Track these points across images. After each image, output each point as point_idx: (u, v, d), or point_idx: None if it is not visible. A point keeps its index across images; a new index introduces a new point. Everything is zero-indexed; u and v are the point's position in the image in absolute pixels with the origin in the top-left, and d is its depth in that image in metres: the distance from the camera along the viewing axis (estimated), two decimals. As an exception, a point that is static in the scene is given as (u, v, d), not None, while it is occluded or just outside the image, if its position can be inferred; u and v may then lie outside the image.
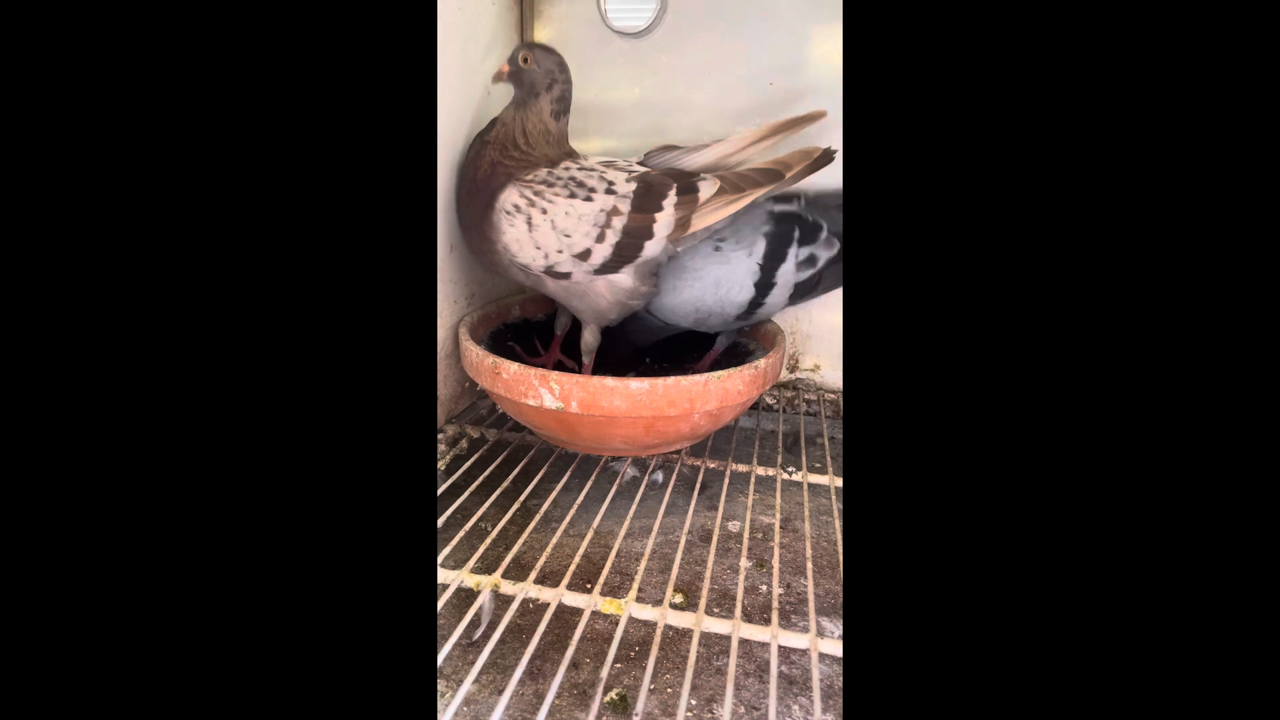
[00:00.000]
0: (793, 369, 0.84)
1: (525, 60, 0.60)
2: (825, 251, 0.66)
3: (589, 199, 0.58)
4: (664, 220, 0.58)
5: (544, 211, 0.58)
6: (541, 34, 0.79)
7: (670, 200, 0.58)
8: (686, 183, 0.59)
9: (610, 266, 0.59)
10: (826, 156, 0.62)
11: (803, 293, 0.68)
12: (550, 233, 0.58)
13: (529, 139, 0.61)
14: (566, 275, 0.60)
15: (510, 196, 0.58)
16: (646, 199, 0.58)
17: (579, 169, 0.60)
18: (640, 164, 0.63)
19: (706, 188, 0.59)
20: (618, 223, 0.58)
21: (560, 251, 0.58)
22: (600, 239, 0.58)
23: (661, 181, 0.59)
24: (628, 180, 0.59)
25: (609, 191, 0.58)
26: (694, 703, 0.44)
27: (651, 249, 0.59)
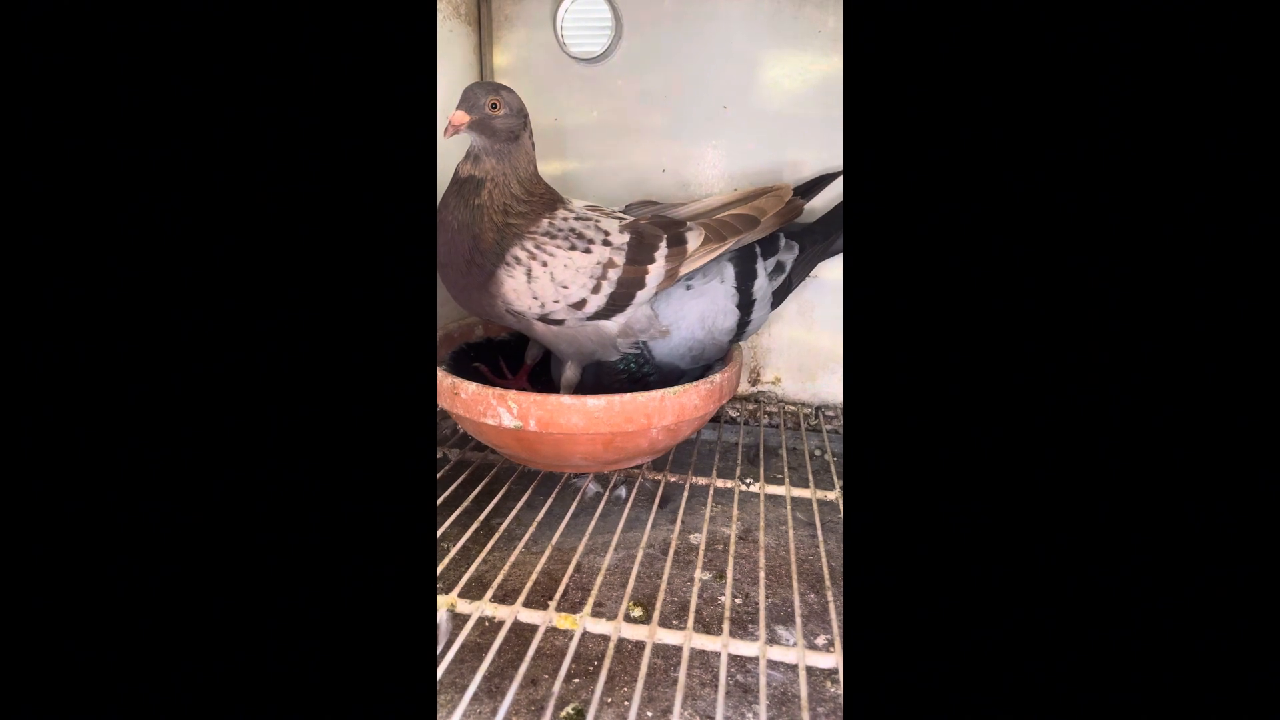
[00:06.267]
0: (754, 382, 0.85)
1: (495, 106, 0.55)
2: (788, 255, 0.69)
3: (587, 251, 0.59)
4: (656, 271, 0.60)
5: (544, 264, 0.58)
6: (500, 60, 0.81)
7: (662, 252, 0.60)
8: (675, 234, 0.61)
9: (603, 314, 0.61)
10: (795, 205, 0.66)
11: (780, 298, 0.71)
12: (549, 284, 0.58)
13: (525, 187, 0.59)
14: (560, 322, 0.61)
15: (513, 249, 0.58)
16: (640, 251, 0.60)
17: (576, 219, 0.60)
18: (622, 214, 0.64)
19: (694, 238, 0.62)
20: (613, 274, 0.59)
21: (557, 301, 0.59)
22: (596, 290, 0.59)
23: (653, 233, 0.61)
24: (620, 230, 0.60)
25: (605, 243, 0.59)
26: (650, 714, 0.45)
27: (642, 297, 0.61)
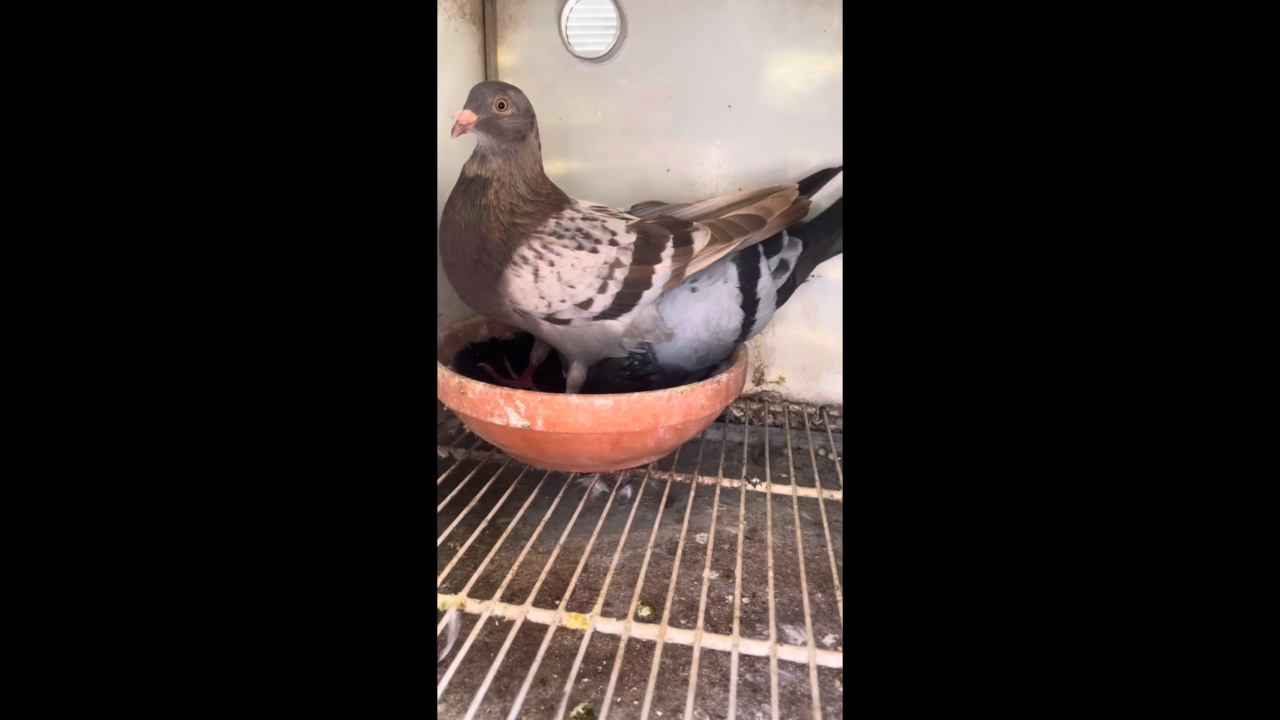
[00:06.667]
0: (758, 382, 0.85)
1: (502, 106, 0.55)
2: (791, 253, 0.69)
3: (594, 251, 0.59)
4: (662, 271, 0.60)
5: (551, 264, 0.58)
6: (505, 59, 0.81)
7: (668, 252, 0.60)
8: (682, 234, 0.61)
9: (609, 314, 0.61)
10: (801, 205, 0.65)
11: (784, 296, 0.71)
12: (556, 284, 0.58)
13: (531, 187, 0.59)
14: (566, 322, 0.61)
15: (520, 249, 0.58)
16: (646, 251, 0.60)
17: (583, 219, 0.60)
18: (628, 214, 0.64)
19: (700, 238, 0.62)
20: (619, 274, 0.59)
21: (563, 301, 0.59)
22: (602, 289, 0.59)
23: (659, 233, 0.61)
24: (627, 230, 0.60)
25: (612, 243, 0.59)
26: (660, 713, 0.45)
27: (649, 297, 0.61)
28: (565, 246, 0.58)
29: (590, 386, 0.64)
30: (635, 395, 0.56)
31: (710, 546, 0.55)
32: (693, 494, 0.63)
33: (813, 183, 0.70)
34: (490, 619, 0.46)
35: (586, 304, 0.60)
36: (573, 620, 0.45)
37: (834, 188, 0.72)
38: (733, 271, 0.67)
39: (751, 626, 0.51)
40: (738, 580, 0.49)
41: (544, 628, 0.44)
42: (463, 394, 0.58)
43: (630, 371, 0.68)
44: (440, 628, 0.44)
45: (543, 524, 0.57)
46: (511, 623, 0.45)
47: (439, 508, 0.57)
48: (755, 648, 0.43)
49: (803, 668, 0.47)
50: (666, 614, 0.45)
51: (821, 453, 0.78)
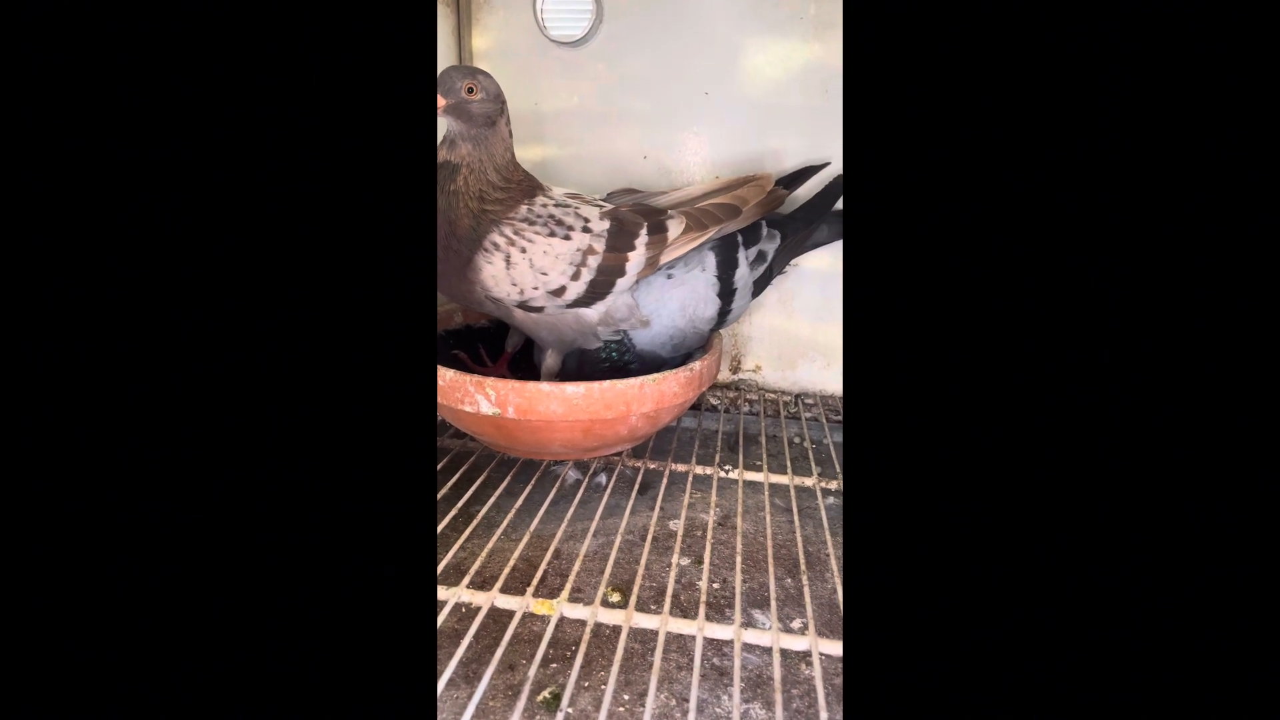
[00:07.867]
0: (735, 370, 0.86)
1: (471, 91, 0.55)
2: (770, 244, 0.69)
3: (567, 237, 0.58)
4: (636, 259, 0.60)
5: (523, 250, 0.58)
6: (479, 42, 0.80)
7: (642, 239, 0.60)
8: (656, 221, 0.61)
9: (583, 302, 0.60)
10: (777, 196, 0.66)
11: (761, 287, 0.71)
12: (528, 271, 0.58)
13: (502, 174, 0.58)
14: (539, 310, 0.60)
15: (491, 235, 0.58)
16: (620, 238, 0.60)
17: (555, 205, 0.60)
18: (603, 202, 0.64)
19: (674, 226, 0.61)
20: (593, 261, 0.59)
21: (536, 288, 0.59)
22: (575, 277, 0.59)
23: (633, 220, 0.61)
24: (600, 217, 0.60)
25: (585, 230, 0.59)
26: (626, 697, 0.45)
27: (623, 285, 0.61)
28: (537, 233, 0.58)
29: (569, 377, 0.64)
30: (607, 383, 0.56)
31: (681, 533, 0.55)
32: (666, 481, 0.64)
33: (794, 179, 0.70)
34: (457, 605, 0.46)
35: (560, 291, 0.59)
36: (540, 606, 0.45)
37: (813, 182, 0.72)
38: (711, 260, 0.67)
39: (720, 611, 0.52)
40: (706, 566, 0.50)
41: (511, 613, 0.45)
42: (434, 381, 0.58)
43: (609, 363, 0.68)
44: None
45: (514, 511, 0.57)
46: (478, 609, 0.45)
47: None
48: (720, 632, 0.44)
49: (767, 651, 0.47)
50: (634, 599, 0.46)
51: (796, 440, 0.78)
